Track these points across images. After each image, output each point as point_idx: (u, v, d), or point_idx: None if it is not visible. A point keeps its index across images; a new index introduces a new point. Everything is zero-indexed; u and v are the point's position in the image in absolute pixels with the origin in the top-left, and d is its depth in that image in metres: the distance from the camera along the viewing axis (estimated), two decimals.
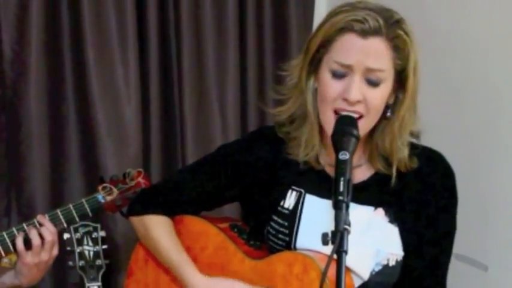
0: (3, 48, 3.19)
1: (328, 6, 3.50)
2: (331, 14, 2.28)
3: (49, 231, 2.59)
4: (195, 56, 3.40)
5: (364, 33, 2.19)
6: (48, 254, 2.60)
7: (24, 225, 2.60)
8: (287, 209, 2.42)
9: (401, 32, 2.22)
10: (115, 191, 2.77)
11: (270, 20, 3.53)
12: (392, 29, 2.21)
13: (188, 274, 2.49)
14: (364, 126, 2.22)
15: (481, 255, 2.84)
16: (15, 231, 2.58)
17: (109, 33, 3.26)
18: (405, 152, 2.32)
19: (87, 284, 2.94)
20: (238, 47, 3.47)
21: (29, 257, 2.57)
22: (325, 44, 2.26)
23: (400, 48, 2.22)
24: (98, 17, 3.25)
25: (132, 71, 3.31)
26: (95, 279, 2.94)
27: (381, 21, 2.19)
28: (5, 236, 2.59)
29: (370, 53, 2.20)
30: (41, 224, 2.61)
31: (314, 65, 2.30)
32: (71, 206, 2.68)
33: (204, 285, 2.47)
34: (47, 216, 2.63)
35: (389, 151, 2.32)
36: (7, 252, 2.60)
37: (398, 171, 2.33)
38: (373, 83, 2.21)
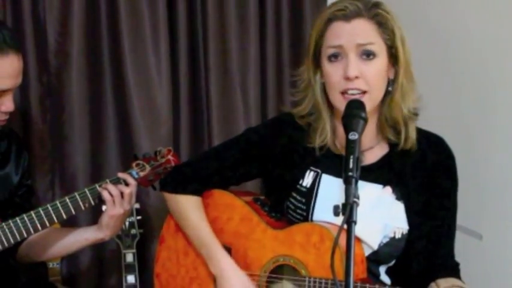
0: (48, 39, 3.24)
1: None
2: (318, 15, 2.34)
3: (125, 186, 2.65)
4: (220, 47, 3.42)
5: (347, 18, 2.24)
6: (129, 204, 2.64)
7: (108, 180, 2.65)
8: (305, 187, 2.43)
9: (380, 11, 2.26)
10: (147, 167, 2.76)
11: (287, 15, 3.53)
12: (371, 10, 2.26)
13: (215, 251, 2.51)
14: (369, 102, 2.24)
15: (476, 225, 2.85)
16: (97, 187, 2.62)
17: (143, 27, 3.29)
18: (411, 127, 2.35)
19: (123, 251, 2.98)
20: (259, 39, 3.48)
21: (115, 209, 2.61)
22: (319, 40, 2.31)
23: (383, 24, 2.25)
24: (133, 12, 3.27)
25: (164, 61, 3.34)
26: (130, 247, 2.98)
27: (360, 5, 2.25)
28: (87, 192, 2.62)
29: (356, 31, 2.24)
30: (119, 181, 2.66)
31: (316, 63, 2.35)
32: (108, 181, 2.67)
33: (228, 264, 2.49)
34: (86, 190, 2.62)
35: (397, 120, 2.34)
36: (51, 223, 2.60)
37: (404, 151, 2.36)
38: (368, 55, 2.24)
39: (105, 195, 2.62)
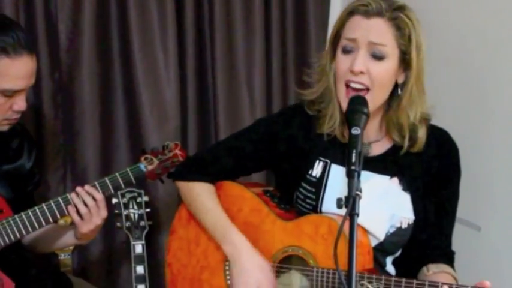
0: (59, 37, 3.24)
1: (342, 2, 3.54)
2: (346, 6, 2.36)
3: (90, 199, 2.60)
4: (226, 44, 3.44)
5: (367, 14, 2.26)
6: (99, 217, 2.61)
7: (68, 195, 2.61)
8: (314, 177, 2.45)
9: (401, 15, 2.26)
10: (155, 161, 2.78)
11: (291, 13, 3.55)
12: (393, 12, 2.26)
13: (230, 232, 2.50)
14: (372, 100, 2.25)
15: (474, 217, 2.88)
16: (69, 197, 2.59)
17: (152, 25, 3.30)
18: (421, 132, 2.36)
19: (132, 243, 2.94)
20: (264, 36, 3.50)
21: (84, 227, 2.60)
22: (340, 30, 2.34)
23: (401, 28, 2.26)
24: (142, 10, 3.28)
25: (172, 57, 3.35)
26: (139, 238, 2.97)
27: (383, 5, 2.26)
28: (60, 201, 2.59)
29: (373, 29, 2.26)
30: (86, 193, 2.62)
31: (334, 50, 2.37)
32: (117, 174, 2.68)
33: (242, 242, 2.47)
34: (96, 183, 2.64)
35: (402, 125, 2.35)
36: (62, 215, 2.62)
37: (411, 148, 2.38)
38: (377, 57, 2.26)
39: (72, 215, 2.60)
